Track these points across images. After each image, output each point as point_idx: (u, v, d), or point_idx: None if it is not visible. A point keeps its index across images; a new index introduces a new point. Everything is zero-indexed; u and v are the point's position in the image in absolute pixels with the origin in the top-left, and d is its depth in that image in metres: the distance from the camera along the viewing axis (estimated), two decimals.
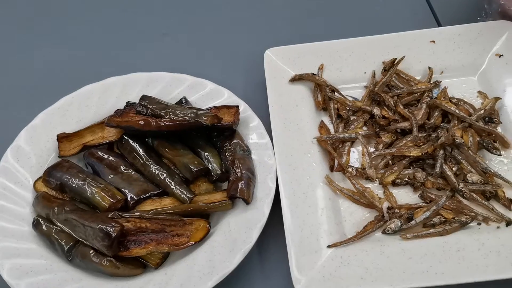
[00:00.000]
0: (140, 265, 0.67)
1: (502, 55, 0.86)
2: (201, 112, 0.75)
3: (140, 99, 0.79)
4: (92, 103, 0.84)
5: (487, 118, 0.79)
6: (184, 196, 0.71)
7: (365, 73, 0.88)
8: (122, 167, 0.76)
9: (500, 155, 0.75)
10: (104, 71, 0.89)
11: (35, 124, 0.81)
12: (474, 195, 0.72)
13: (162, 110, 0.76)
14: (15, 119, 0.84)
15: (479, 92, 0.85)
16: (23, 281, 0.65)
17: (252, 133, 0.79)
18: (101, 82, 0.86)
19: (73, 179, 0.72)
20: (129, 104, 0.79)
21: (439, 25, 0.98)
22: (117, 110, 0.81)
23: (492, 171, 0.73)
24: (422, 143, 0.77)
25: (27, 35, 1.06)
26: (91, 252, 0.66)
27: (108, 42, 1.03)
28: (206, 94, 0.84)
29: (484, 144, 0.76)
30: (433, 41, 0.88)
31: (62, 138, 0.79)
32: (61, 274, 0.66)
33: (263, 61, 0.87)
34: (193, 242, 0.67)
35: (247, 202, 0.70)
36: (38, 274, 0.66)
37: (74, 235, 0.67)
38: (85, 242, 0.66)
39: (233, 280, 0.67)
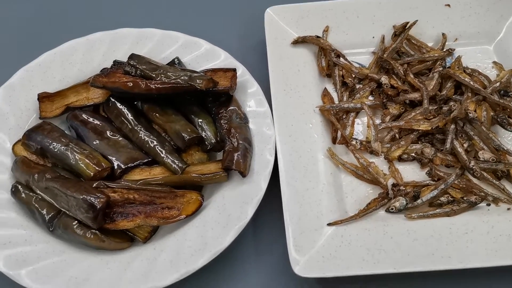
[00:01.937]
0: (127, 239, 0.63)
1: None
2: (195, 75, 0.69)
3: (129, 58, 0.72)
4: (76, 60, 0.77)
5: (502, 91, 0.74)
6: (175, 166, 0.66)
7: (373, 37, 0.82)
8: (108, 132, 0.70)
9: None
10: (89, 25, 0.82)
11: (14, 82, 0.74)
12: (485, 174, 0.68)
13: (152, 71, 0.70)
14: None
15: (495, 62, 0.79)
16: (1, 253, 0.60)
17: (250, 99, 0.73)
18: (86, 37, 0.79)
19: (55, 144, 0.66)
20: (116, 63, 0.73)
21: None
22: (104, 69, 0.75)
23: (505, 148, 0.69)
24: (432, 116, 0.72)
25: None
26: (74, 223, 0.61)
27: None
28: (201, 55, 0.77)
29: (498, 119, 0.71)
30: (448, 5, 0.82)
31: (44, 98, 0.73)
32: (42, 245, 0.62)
33: (263, 20, 0.80)
34: (184, 216, 0.62)
35: (244, 174, 0.65)
36: (16, 246, 0.61)
37: (56, 204, 0.62)
38: (67, 212, 0.61)
39: (225, 257, 0.62)
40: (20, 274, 0.58)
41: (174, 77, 0.69)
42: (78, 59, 0.77)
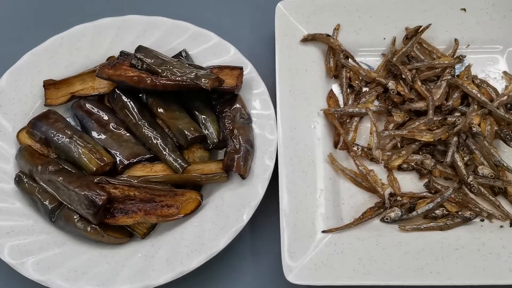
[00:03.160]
0: (126, 234, 0.65)
1: None
2: (201, 73, 0.69)
3: (136, 50, 0.71)
4: (83, 46, 0.77)
5: (509, 105, 0.73)
6: (177, 164, 0.67)
7: (384, 39, 0.80)
8: (112, 125, 0.70)
9: None
10: (96, 9, 0.81)
11: (20, 66, 0.75)
12: (482, 189, 0.68)
13: (159, 66, 0.69)
14: None
15: (505, 73, 0.78)
16: (6, 243, 0.62)
17: (256, 99, 0.73)
18: (94, 22, 0.78)
19: (59, 136, 0.67)
20: (123, 54, 0.72)
21: None
22: (110, 58, 0.74)
23: (505, 165, 0.69)
24: (436, 127, 0.71)
25: None
26: (75, 216, 0.63)
27: None
28: (209, 49, 0.76)
29: (502, 134, 0.71)
30: (464, 9, 0.80)
31: (49, 85, 0.73)
32: (43, 236, 0.64)
33: (274, 14, 0.79)
34: (183, 215, 0.64)
35: (243, 177, 0.66)
36: (19, 235, 0.63)
37: (58, 197, 0.64)
38: (69, 206, 0.63)
39: (221, 258, 0.64)
40: (23, 264, 0.60)
41: (180, 74, 0.68)
42: (86, 45, 0.77)
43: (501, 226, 0.67)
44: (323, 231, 0.65)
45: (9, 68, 0.74)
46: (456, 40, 0.79)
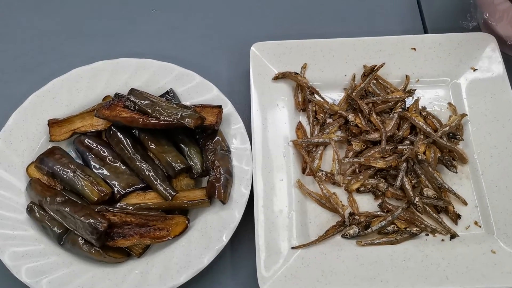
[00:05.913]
0: (125, 254, 0.76)
1: (477, 69, 0.90)
2: (186, 113, 0.79)
3: (129, 92, 0.82)
4: (81, 87, 0.87)
5: (451, 134, 0.86)
6: (166, 193, 0.78)
7: (345, 75, 0.92)
8: (109, 158, 0.81)
9: (456, 172, 0.83)
10: (91, 53, 0.91)
11: (26, 106, 0.84)
12: (427, 208, 0.80)
13: (149, 107, 0.80)
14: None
15: (449, 104, 0.90)
16: (23, 265, 0.72)
17: (234, 133, 0.83)
18: (90, 66, 0.88)
19: (64, 170, 0.78)
20: (117, 96, 0.83)
21: (426, 30, 1.01)
22: (106, 98, 0.85)
23: (447, 187, 0.81)
24: (388, 155, 0.84)
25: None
26: (80, 240, 0.74)
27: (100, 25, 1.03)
28: (193, 87, 0.87)
29: (443, 160, 0.83)
30: (414, 48, 0.92)
31: (53, 123, 0.83)
32: (54, 258, 0.74)
33: (248, 53, 0.90)
34: (172, 237, 0.75)
35: (224, 203, 0.77)
36: (33, 257, 0.73)
37: (65, 224, 0.74)
38: (75, 232, 0.74)
39: (205, 273, 0.75)
40: (38, 283, 0.71)
41: (167, 114, 0.79)
42: (83, 86, 0.87)
43: (442, 240, 0.79)
44: (292, 248, 0.77)
45: (16, 108, 0.84)
46: (407, 76, 0.91)
